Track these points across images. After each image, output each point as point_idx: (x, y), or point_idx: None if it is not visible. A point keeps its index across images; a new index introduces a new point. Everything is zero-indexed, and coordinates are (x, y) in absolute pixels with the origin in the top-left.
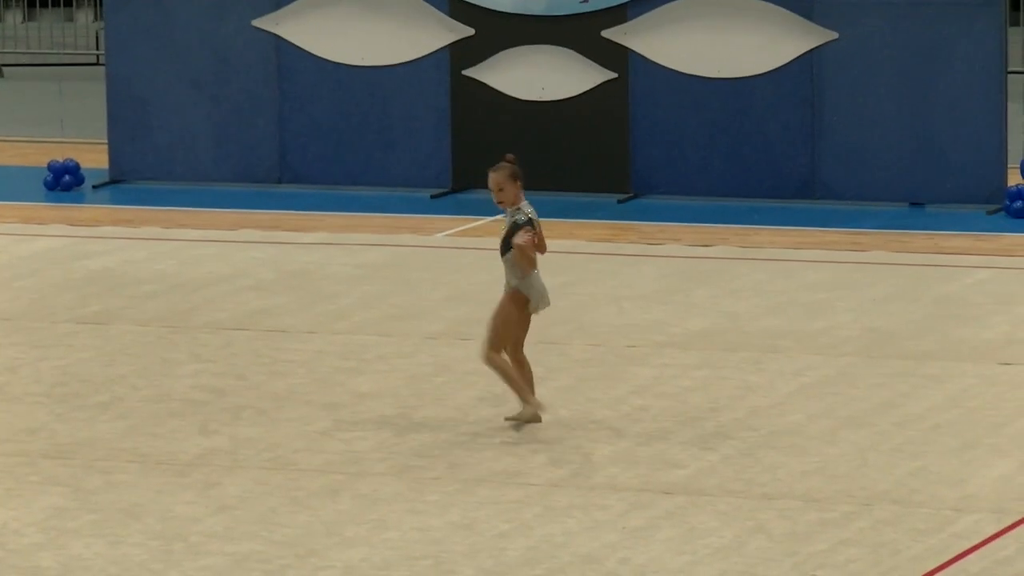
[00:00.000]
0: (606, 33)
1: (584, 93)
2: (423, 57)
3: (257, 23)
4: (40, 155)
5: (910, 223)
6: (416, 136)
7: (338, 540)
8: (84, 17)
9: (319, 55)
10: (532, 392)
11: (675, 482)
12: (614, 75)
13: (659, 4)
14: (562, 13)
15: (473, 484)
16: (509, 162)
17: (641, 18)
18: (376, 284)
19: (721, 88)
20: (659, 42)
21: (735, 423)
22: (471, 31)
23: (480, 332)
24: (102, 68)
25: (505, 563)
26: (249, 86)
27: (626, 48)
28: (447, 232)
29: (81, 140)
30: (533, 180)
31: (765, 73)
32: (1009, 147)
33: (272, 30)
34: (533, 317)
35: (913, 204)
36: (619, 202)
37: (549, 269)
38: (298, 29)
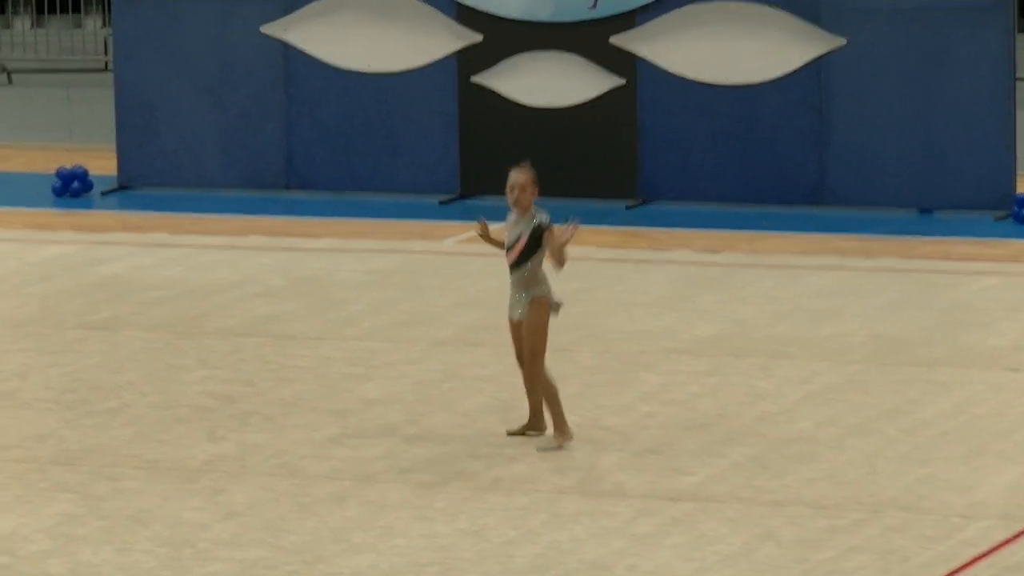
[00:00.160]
0: (614, 39)
1: (592, 99)
2: (431, 63)
3: (265, 29)
4: (48, 161)
5: (918, 229)
6: (424, 142)
7: (346, 547)
8: (92, 23)
9: (327, 61)
10: (564, 419)
11: (683, 489)
12: (622, 81)
13: (667, 10)
14: (570, 19)
15: (481, 491)
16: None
17: (649, 24)
18: (384, 290)
19: (729, 94)
20: (667, 48)
21: (744, 429)
22: (479, 37)
23: (489, 338)
24: (110, 74)
25: (513, 570)
26: (257, 92)
27: (634, 54)
28: (456, 238)
29: (89, 146)
30: (542, 186)
31: (773, 79)
32: (1017, 153)
33: (280, 36)
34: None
35: (921, 210)
36: (628, 208)
37: (558, 275)
38: (306, 35)
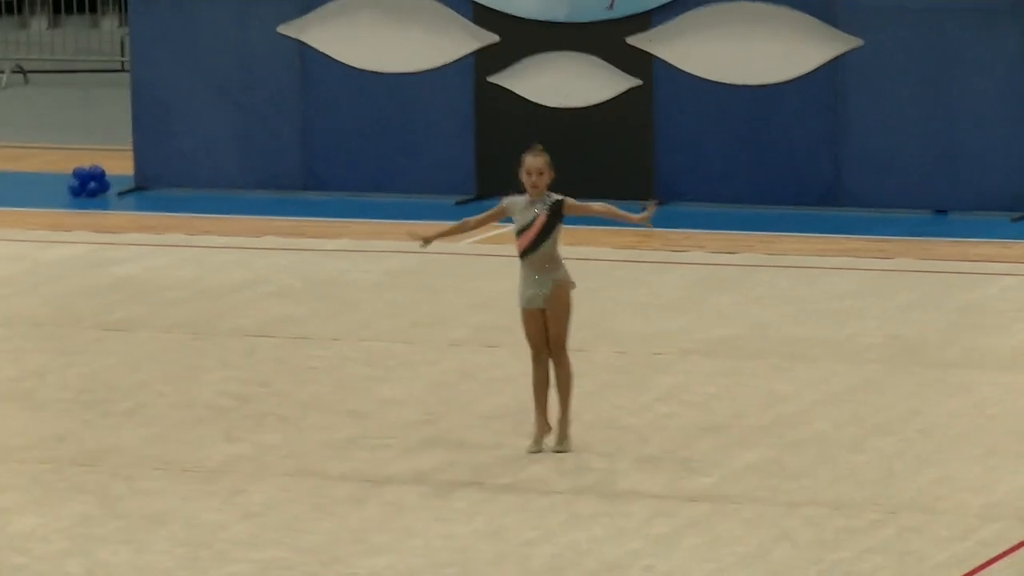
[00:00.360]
0: (631, 40)
1: (608, 100)
2: (448, 64)
3: (282, 29)
4: (66, 162)
5: (934, 230)
6: (440, 142)
7: (363, 547)
8: (109, 23)
9: (344, 62)
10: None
11: (700, 490)
12: (638, 82)
13: (684, 11)
14: (587, 20)
15: (498, 491)
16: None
17: (665, 25)
18: (400, 291)
19: (745, 95)
20: (683, 49)
21: (760, 431)
22: (496, 38)
23: (505, 338)
24: (127, 74)
25: (530, 570)
26: (274, 92)
27: (650, 55)
28: (472, 239)
29: (106, 147)
30: (557, 186)
31: (789, 80)
32: None
33: (297, 36)
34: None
35: (937, 211)
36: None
37: (574, 276)
38: (323, 36)
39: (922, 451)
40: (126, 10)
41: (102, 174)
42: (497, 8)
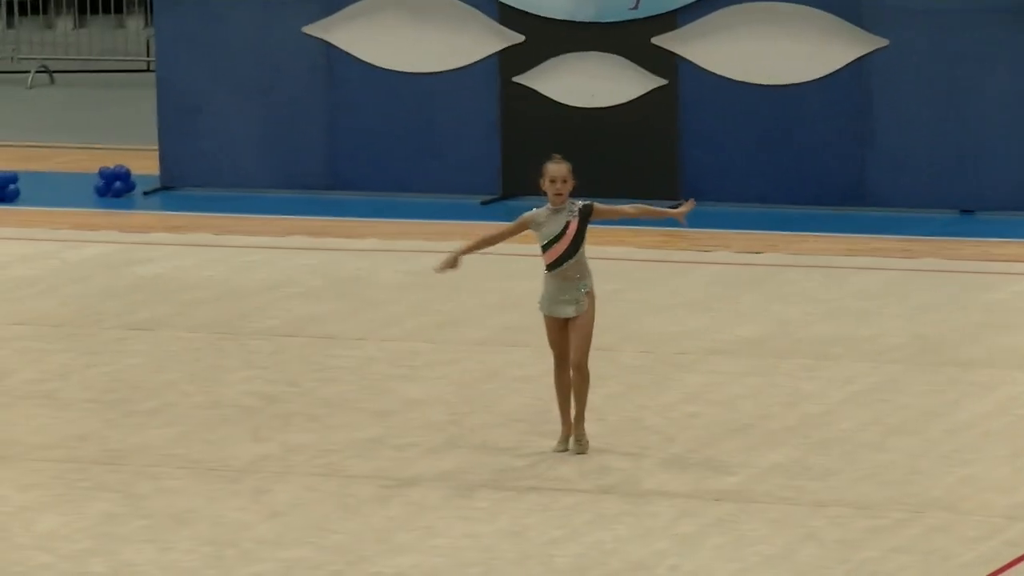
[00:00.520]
0: (656, 40)
1: (634, 100)
2: (473, 64)
3: (307, 30)
4: (91, 161)
5: (959, 230)
6: (465, 142)
7: (388, 547)
8: (134, 24)
9: (369, 62)
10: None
11: (725, 489)
12: (664, 82)
13: (709, 11)
14: (612, 20)
15: (523, 491)
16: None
17: (691, 25)
18: (425, 291)
19: (771, 95)
20: (709, 49)
21: (785, 430)
22: (521, 38)
23: (529, 338)
24: (152, 75)
25: (555, 570)
26: (299, 92)
27: (676, 55)
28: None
29: (132, 146)
30: (582, 186)
31: (815, 80)
32: None
33: (322, 37)
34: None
35: (962, 211)
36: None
37: (599, 276)
38: (348, 36)
39: (947, 451)
40: (152, 10)
41: (127, 174)
42: (522, 8)
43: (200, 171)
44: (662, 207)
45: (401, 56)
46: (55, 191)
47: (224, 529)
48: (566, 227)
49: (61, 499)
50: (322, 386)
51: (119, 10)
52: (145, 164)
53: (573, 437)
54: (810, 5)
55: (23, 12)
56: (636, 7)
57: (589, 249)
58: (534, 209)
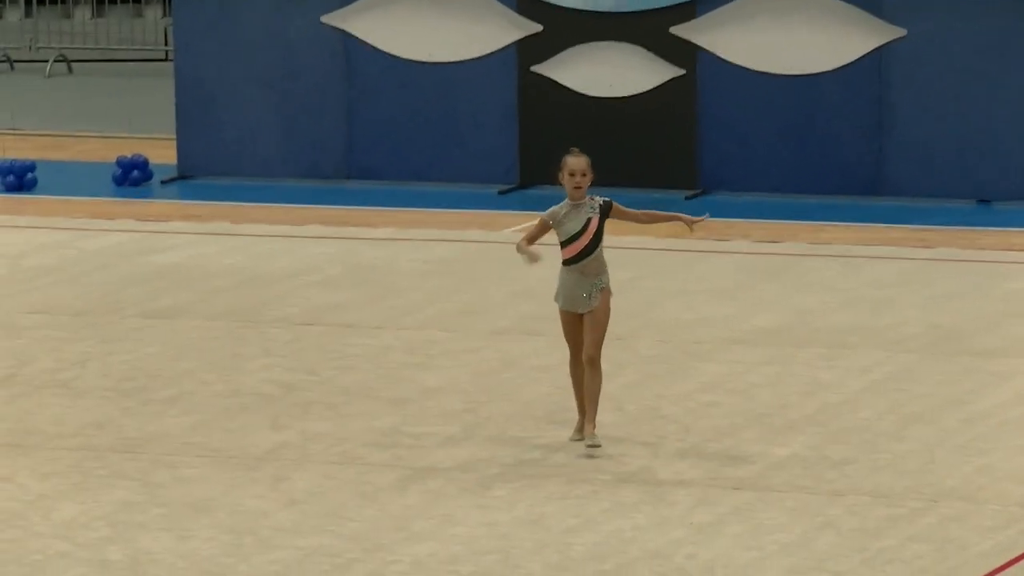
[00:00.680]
0: (674, 30)
1: (652, 89)
2: (491, 53)
3: (326, 19)
4: (109, 150)
5: (978, 220)
6: (484, 132)
7: (406, 535)
8: (153, 13)
9: (387, 51)
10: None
11: (743, 478)
12: (682, 71)
13: (728, 1)
14: (631, 10)
15: (540, 479)
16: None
17: (710, 15)
18: (443, 279)
19: (789, 85)
20: (727, 39)
21: (804, 419)
22: (539, 27)
23: (547, 327)
24: (170, 64)
25: (572, 558)
26: (317, 82)
27: (695, 45)
28: (515, 228)
29: (149, 136)
30: (601, 176)
31: (833, 70)
32: None
33: (341, 26)
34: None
35: (980, 201)
36: (687, 198)
37: (617, 264)
38: (366, 25)
39: (964, 440)
40: (170, 0)
41: (145, 163)
42: None
43: (218, 160)
44: (679, 207)
45: (419, 46)
46: (73, 180)
47: (242, 517)
48: (587, 224)
49: (79, 487)
50: (340, 374)
51: (137, 0)
52: (163, 153)
53: (585, 437)
54: None
55: (41, 2)
56: None
57: (606, 238)
58: (552, 207)
